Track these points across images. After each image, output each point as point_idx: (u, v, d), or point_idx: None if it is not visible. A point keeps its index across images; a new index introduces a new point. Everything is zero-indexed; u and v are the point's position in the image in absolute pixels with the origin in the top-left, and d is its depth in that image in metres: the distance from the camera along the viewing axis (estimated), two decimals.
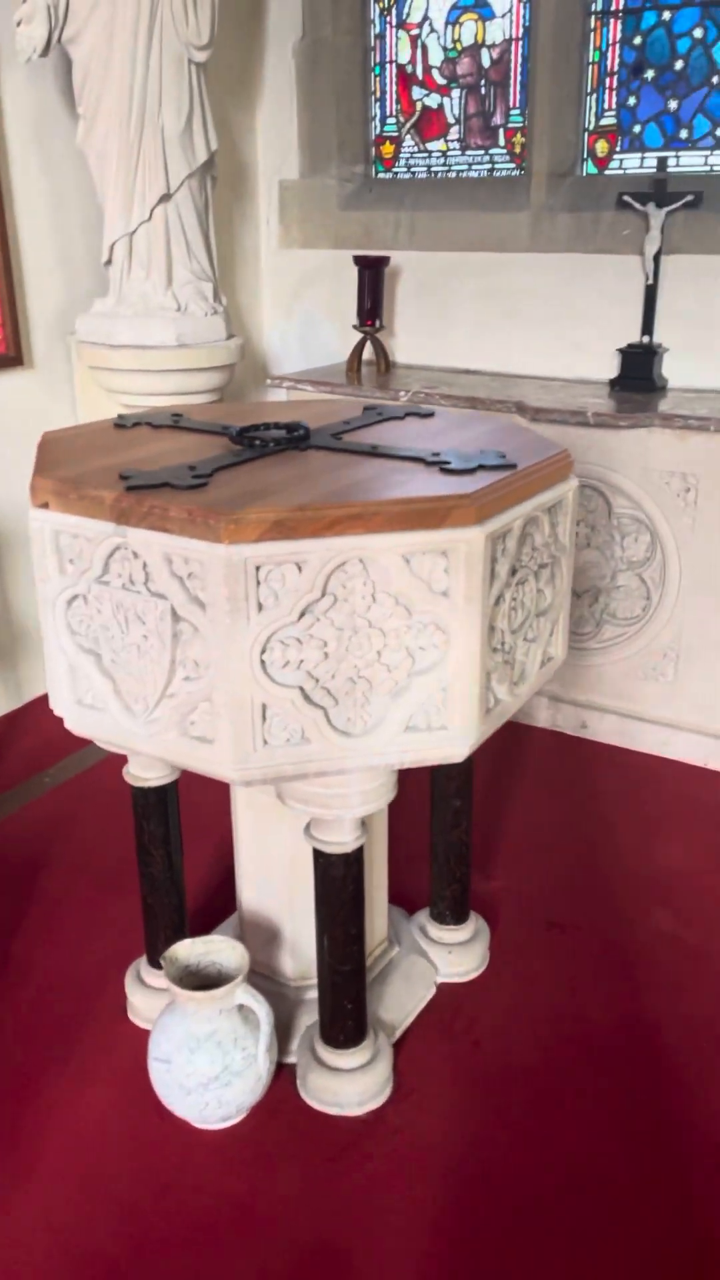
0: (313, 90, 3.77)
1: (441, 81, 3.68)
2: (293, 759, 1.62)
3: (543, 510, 1.74)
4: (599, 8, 3.33)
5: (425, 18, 3.64)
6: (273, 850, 2.05)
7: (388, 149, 3.85)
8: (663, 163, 3.24)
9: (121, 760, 2.03)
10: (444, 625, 1.58)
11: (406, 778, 1.83)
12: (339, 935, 1.87)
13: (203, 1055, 1.83)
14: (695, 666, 3.14)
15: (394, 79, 3.77)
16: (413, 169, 3.81)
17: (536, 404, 3.12)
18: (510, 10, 3.48)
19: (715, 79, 3.23)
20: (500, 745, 3.26)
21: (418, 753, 1.66)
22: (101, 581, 1.62)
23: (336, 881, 1.83)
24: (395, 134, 3.82)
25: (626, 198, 3.24)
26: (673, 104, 3.31)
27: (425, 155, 3.78)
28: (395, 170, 3.85)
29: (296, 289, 4.05)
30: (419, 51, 3.69)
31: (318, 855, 1.83)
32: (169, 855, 2.09)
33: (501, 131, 3.61)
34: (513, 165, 3.62)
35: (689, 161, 3.31)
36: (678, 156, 3.30)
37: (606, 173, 3.46)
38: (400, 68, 3.74)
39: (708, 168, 3.30)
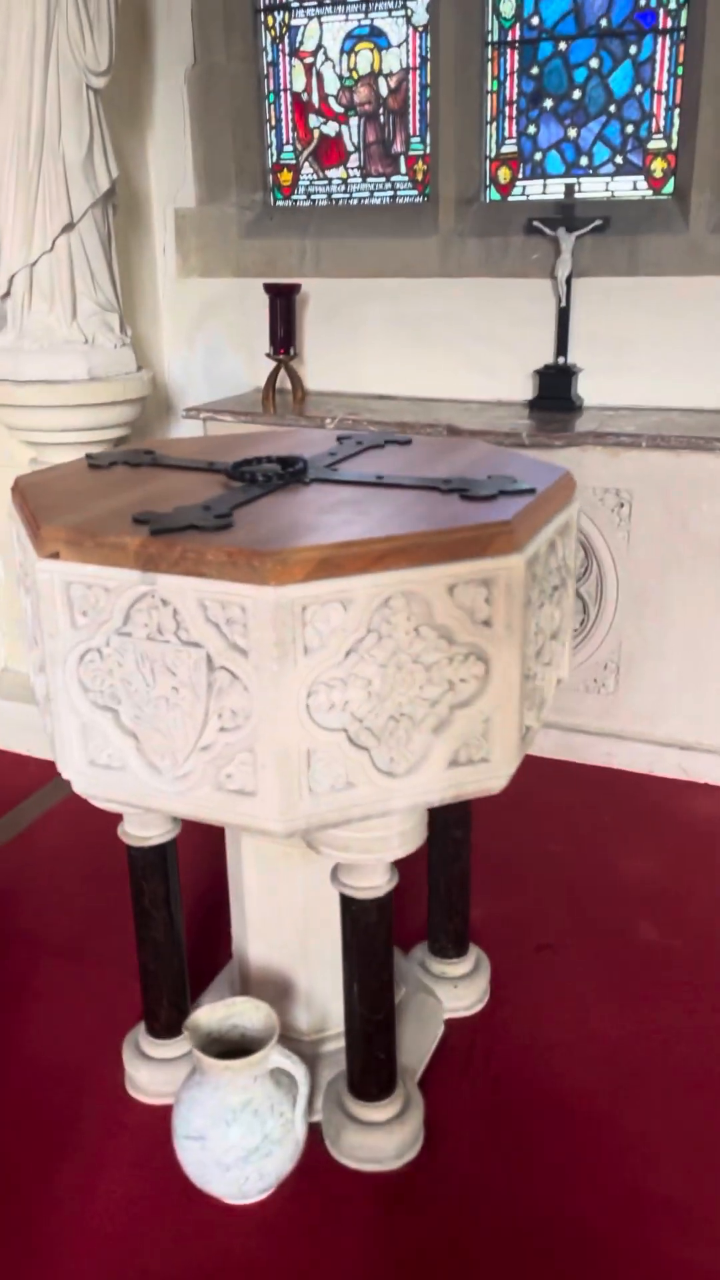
0: (207, 117, 3.70)
1: (339, 109, 3.68)
2: (337, 805, 1.55)
3: (558, 533, 1.73)
4: (495, 39, 3.39)
5: (319, 46, 3.64)
6: (283, 901, 1.96)
7: (286, 176, 3.82)
8: (570, 189, 3.31)
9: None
10: (485, 655, 1.54)
11: None
12: (371, 983, 1.80)
13: (239, 1127, 1.73)
14: (635, 678, 3.21)
15: (289, 107, 3.74)
16: (313, 196, 3.79)
17: (467, 426, 3.13)
18: (406, 40, 3.51)
19: (612, 108, 3.33)
20: None
21: (460, 788, 1.62)
22: (122, 633, 1.51)
23: (370, 928, 1.76)
24: (293, 161, 3.79)
25: (537, 223, 3.30)
26: (572, 132, 3.40)
27: (325, 183, 3.77)
28: (295, 198, 3.82)
29: (198, 318, 3.96)
30: (314, 79, 3.68)
31: (348, 902, 1.76)
32: (170, 917, 1.97)
33: (403, 159, 3.63)
34: (415, 192, 3.64)
35: (590, 188, 3.41)
36: (579, 183, 3.39)
37: (510, 199, 3.53)
38: (296, 95, 3.72)
39: (609, 193, 3.40)
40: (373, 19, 3.54)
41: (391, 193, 3.68)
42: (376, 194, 3.71)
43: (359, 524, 1.52)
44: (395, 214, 3.65)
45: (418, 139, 3.59)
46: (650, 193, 3.36)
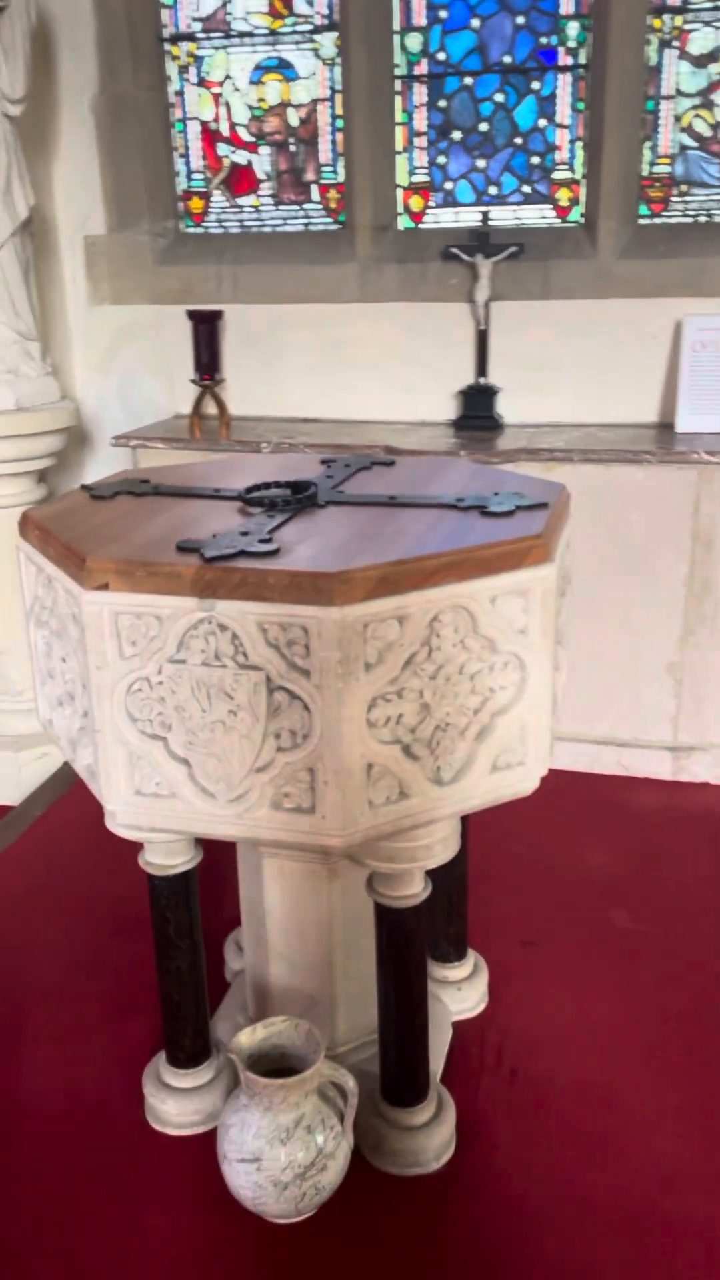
0: (116, 145, 3.69)
1: (249, 139, 3.73)
2: (393, 816, 1.60)
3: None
4: (403, 72, 3.52)
5: (227, 76, 3.68)
6: (308, 918, 1.98)
7: (196, 204, 3.85)
8: (486, 216, 3.46)
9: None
10: (523, 662, 1.63)
11: None
12: (409, 990, 1.85)
13: (295, 1145, 1.74)
14: (573, 679, 3.34)
15: (197, 135, 3.77)
16: (224, 224, 3.83)
17: (403, 446, 3.22)
18: (315, 72, 3.59)
19: (518, 140, 3.50)
20: None
21: (498, 791, 1.69)
22: (175, 660, 1.53)
23: (407, 936, 1.81)
24: (204, 189, 3.82)
25: (455, 249, 3.43)
26: (481, 162, 3.55)
27: (237, 210, 3.81)
28: (206, 225, 3.85)
29: (112, 346, 3.93)
30: (223, 109, 3.72)
31: (385, 911, 1.81)
32: (194, 945, 1.97)
33: (315, 187, 3.71)
34: (329, 220, 3.72)
35: (499, 215, 3.56)
36: (488, 211, 3.54)
37: (423, 226, 3.65)
38: (204, 124, 3.75)
39: (518, 221, 3.56)
40: (280, 51, 3.61)
41: (305, 220, 3.75)
42: (290, 221, 3.77)
43: (401, 543, 1.57)
44: (312, 241, 3.72)
45: (329, 168, 3.68)
46: (557, 220, 3.54)
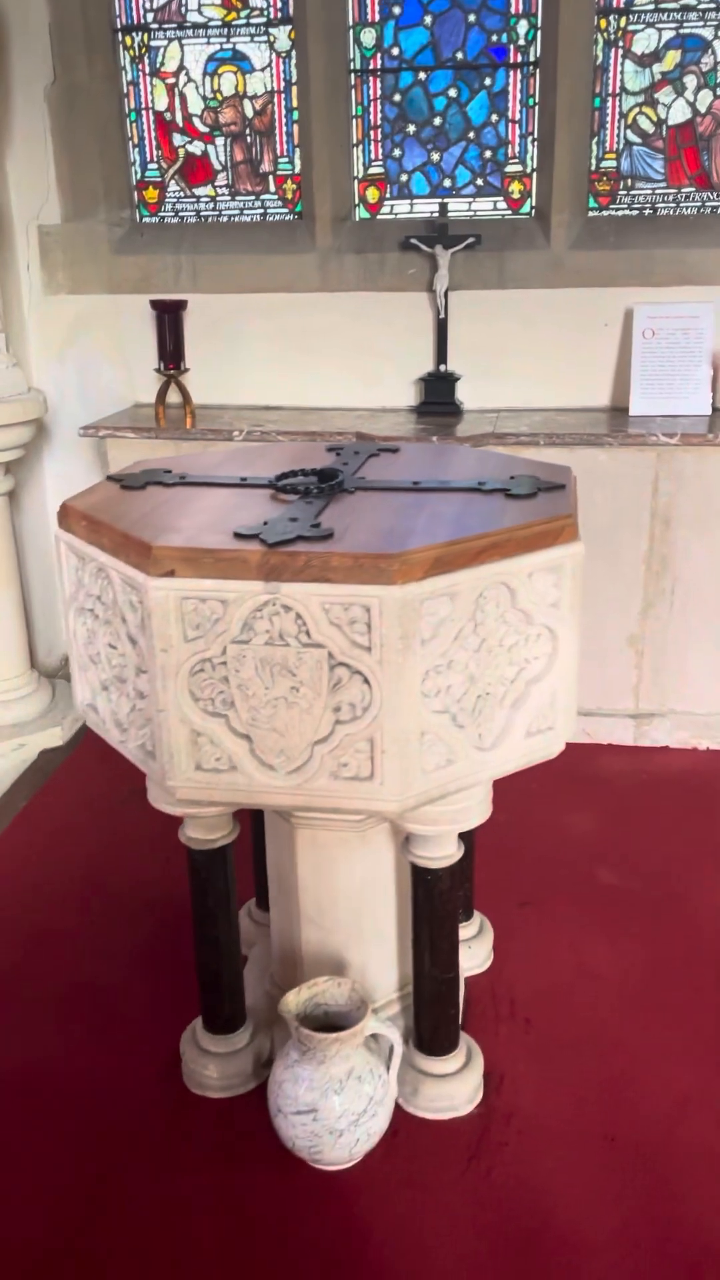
0: (70, 135, 3.69)
1: (204, 129, 3.77)
2: (440, 781, 1.71)
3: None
4: (357, 67, 3.60)
5: (181, 67, 3.71)
6: (339, 885, 2.08)
7: (151, 194, 3.87)
8: (444, 208, 3.57)
9: None
10: (555, 633, 1.75)
11: None
12: (443, 945, 1.97)
13: (348, 1094, 1.85)
14: None
15: (152, 125, 3.79)
16: (180, 213, 3.86)
17: (373, 432, 3.33)
18: (270, 64, 3.65)
19: (471, 134, 3.62)
20: None
21: (530, 755, 1.82)
22: (239, 641, 1.61)
23: (443, 894, 1.93)
24: (159, 179, 3.85)
25: (414, 240, 3.54)
26: (435, 156, 3.66)
27: (193, 200, 3.84)
28: (162, 214, 3.87)
29: (68, 335, 3.93)
30: (177, 99, 3.75)
31: (422, 872, 1.92)
32: (230, 915, 2.06)
33: (272, 178, 3.77)
34: (285, 210, 3.79)
35: (454, 208, 3.67)
36: (446, 203, 3.65)
37: (379, 217, 3.74)
38: (159, 114, 3.77)
39: (471, 213, 3.68)
40: (235, 44, 3.66)
41: (261, 211, 3.81)
42: (246, 212, 3.82)
43: (443, 526, 1.68)
44: (271, 231, 3.78)
45: (286, 159, 3.74)
46: (509, 212, 3.67)
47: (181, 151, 3.80)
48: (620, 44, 3.45)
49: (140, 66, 3.74)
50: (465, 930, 2.47)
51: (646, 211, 3.59)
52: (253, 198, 3.81)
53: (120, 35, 3.70)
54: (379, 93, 3.62)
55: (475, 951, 2.46)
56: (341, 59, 3.57)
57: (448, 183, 3.69)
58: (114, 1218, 1.87)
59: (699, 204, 3.55)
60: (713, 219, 3.54)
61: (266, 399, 3.84)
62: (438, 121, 3.62)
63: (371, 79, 3.62)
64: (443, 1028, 2.04)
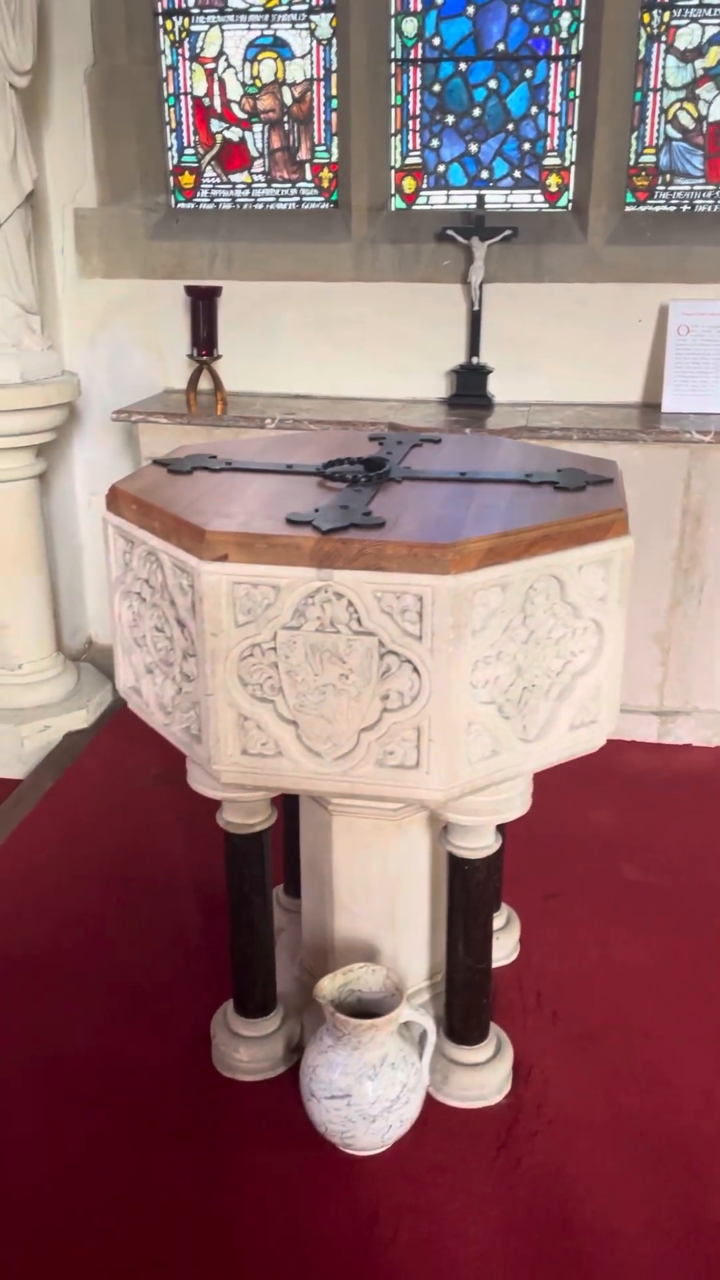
0: (109, 118, 3.69)
1: (242, 116, 3.76)
2: (485, 771, 1.71)
3: None
4: (398, 56, 3.59)
5: (221, 53, 3.71)
6: (374, 873, 2.09)
7: (187, 179, 3.87)
8: (481, 199, 3.57)
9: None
10: (601, 627, 1.75)
11: None
12: (478, 935, 1.98)
13: (382, 1080, 1.86)
14: None
15: (190, 111, 3.79)
16: (216, 200, 3.86)
17: (406, 423, 3.33)
18: (310, 52, 3.64)
19: (510, 126, 3.61)
20: None
21: (573, 748, 1.82)
22: (289, 627, 1.62)
23: (480, 885, 1.94)
24: (195, 165, 3.84)
25: (450, 231, 3.53)
26: (473, 147, 3.65)
27: (229, 187, 3.84)
28: (198, 200, 3.87)
29: (101, 319, 3.93)
30: (216, 85, 3.74)
31: (459, 863, 1.93)
32: (266, 900, 2.07)
33: (308, 166, 3.76)
34: (321, 198, 3.78)
35: (491, 199, 3.66)
36: (484, 195, 3.64)
37: (415, 208, 3.74)
38: (197, 100, 3.77)
39: (508, 205, 3.68)
40: (275, 30, 3.65)
41: (297, 198, 3.81)
42: (282, 200, 3.82)
43: (494, 517, 1.69)
44: (306, 219, 3.78)
45: (323, 147, 3.73)
46: (546, 205, 3.66)
47: (219, 137, 3.80)
48: (663, 39, 3.44)
49: (180, 51, 3.73)
50: (494, 921, 2.47)
51: (684, 208, 3.58)
52: (289, 185, 3.81)
53: (161, 19, 3.69)
54: (419, 82, 3.62)
55: (503, 943, 2.46)
56: (382, 48, 3.56)
57: (485, 174, 3.68)
58: (159, 1196, 1.88)
59: None
60: None
61: (297, 387, 3.85)
62: (477, 112, 3.62)
63: (412, 68, 3.61)
64: (474, 1017, 2.05)
